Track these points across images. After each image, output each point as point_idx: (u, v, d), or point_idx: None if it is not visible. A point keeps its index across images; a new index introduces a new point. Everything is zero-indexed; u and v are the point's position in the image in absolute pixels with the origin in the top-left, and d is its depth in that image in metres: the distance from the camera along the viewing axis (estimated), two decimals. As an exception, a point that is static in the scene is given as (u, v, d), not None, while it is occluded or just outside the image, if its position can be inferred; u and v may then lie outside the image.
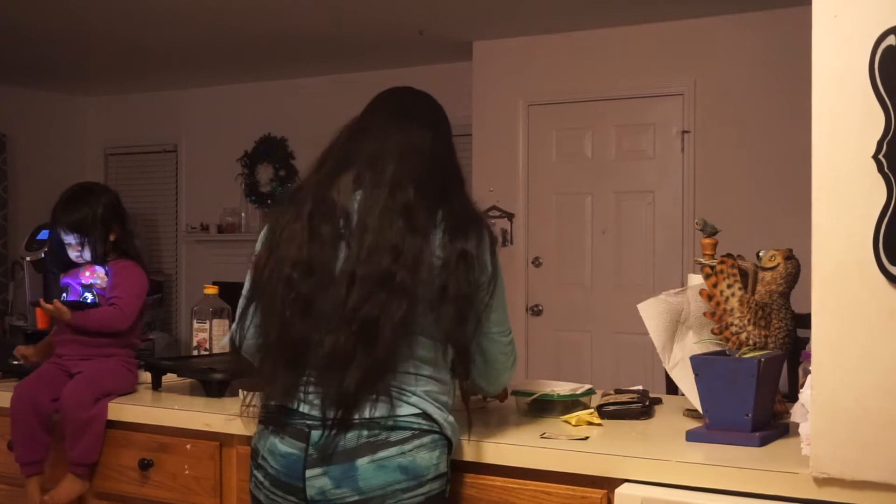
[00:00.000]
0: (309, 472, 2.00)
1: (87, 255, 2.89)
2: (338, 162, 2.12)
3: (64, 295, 2.83)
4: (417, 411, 2.02)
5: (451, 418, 2.08)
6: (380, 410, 2.00)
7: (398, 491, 1.98)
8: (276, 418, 2.07)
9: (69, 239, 2.90)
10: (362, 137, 2.13)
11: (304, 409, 2.03)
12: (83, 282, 2.86)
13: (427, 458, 2.01)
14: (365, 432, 1.99)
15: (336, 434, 1.99)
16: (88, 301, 2.83)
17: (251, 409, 2.15)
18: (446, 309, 2.00)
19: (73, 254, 2.90)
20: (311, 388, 2.03)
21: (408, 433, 2.00)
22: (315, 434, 2.00)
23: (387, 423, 2.00)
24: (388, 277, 1.97)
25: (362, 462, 1.98)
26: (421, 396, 2.03)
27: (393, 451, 1.99)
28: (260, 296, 2.09)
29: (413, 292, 1.97)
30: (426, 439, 2.02)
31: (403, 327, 1.98)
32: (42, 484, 2.79)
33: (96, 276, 2.87)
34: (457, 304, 2.00)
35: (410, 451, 2.00)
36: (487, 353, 2.16)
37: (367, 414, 1.99)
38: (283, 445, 2.03)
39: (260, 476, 2.08)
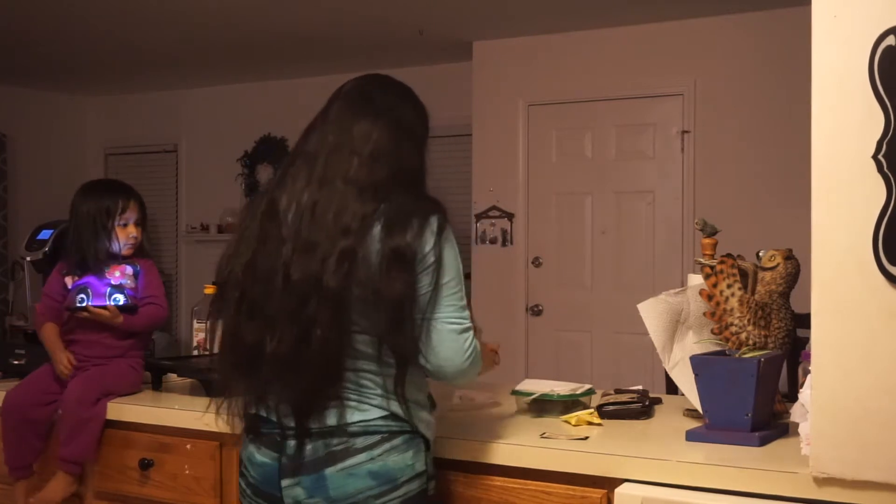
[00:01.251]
0: (284, 482, 2.00)
1: (135, 238, 2.87)
2: (289, 160, 2.11)
3: (82, 296, 2.80)
4: (384, 413, 1.98)
5: (424, 415, 2.04)
6: (344, 417, 1.97)
7: (370, 498, 1.95)
8: (253, 426, 2.07)
9: (130, 218, 2.87)
10: (310, 134, 2.10)
11: (274, 417, 2.02)
12: (112, 282, 2.83)
13: (399, 460, 1.98)
14: (333, 440, 1.97)
15: (303, 443, 1.98)
16: (122, 303, 2.81)
17: (219, 415, 2.09)
18: (380, 312, 1.94)
19: (122, 241, 2.85)
20: (273, 397, 2.02)
21: (376, 437, 1.97)
22: (288, 444, 2.00)
23: (353, 428, 1.97)
24: (317, 281, 1.94)
25: (331, 471, 1.96)
26: (387, 397, 1.98)
27: (361, 457, 1.96)
28: (220, 297, 2.08)
29: (342, 297, 1.93)
30: (397, 441, 1.98)
31: (337, 332, 1.94)
32: (29, 488, 2.79)
33: (126, 276, 2.84)
34: (389, 307, 1.93)
35: (380, 455, 1.96)
36: (434, 347, 1.99)
37: (331, 421, 1.97)
38: (260, 455, 2.04)
39: (243, 484, 2.09)
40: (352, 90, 2.13)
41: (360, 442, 1.96)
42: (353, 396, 1.98)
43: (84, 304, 2.79)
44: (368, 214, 1.96)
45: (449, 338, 1.99)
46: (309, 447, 1.98)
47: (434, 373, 2.02)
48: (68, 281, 2.85)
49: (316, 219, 1.98)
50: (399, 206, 1.98)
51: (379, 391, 1.99)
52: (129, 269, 2.85)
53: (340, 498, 1.96)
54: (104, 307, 2.78)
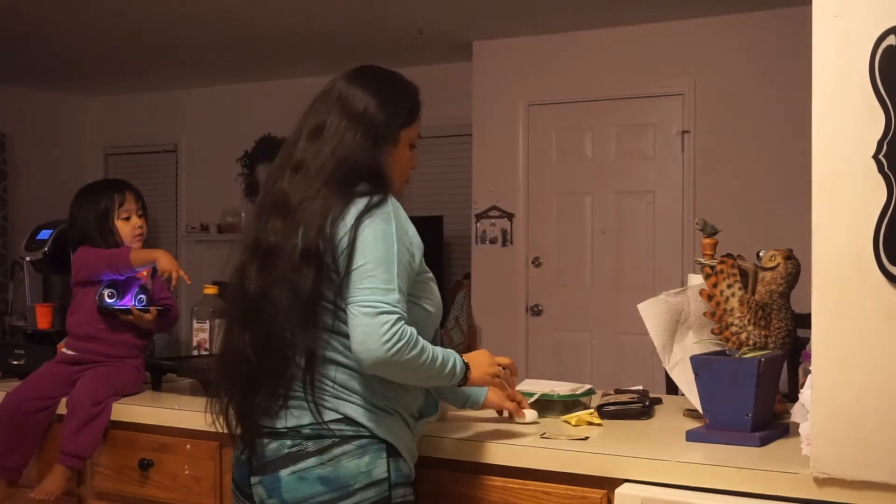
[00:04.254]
0: (252, 480, 2.01)
1: (141, 228, 2.89)
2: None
3: (112, 291, 2.81)
4: (338, 416, 1.95)
5: (385, 418, 1.98)
6: (300, 419, 1.96)
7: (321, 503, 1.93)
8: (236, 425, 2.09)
9: (131, 209, 2.88)
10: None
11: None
12: (142, 282, 2.84)
13: (353, 465, 1.93)
14: (288, 442, 1.96)
15: (254, 443, 1.99)
16: (143, 304, 2.83)
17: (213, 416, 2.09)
18: (292, 309, 1.92)
19: (129, 235, 2.87)
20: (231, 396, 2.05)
21: (328, 441, 1.93)
22: (256, 442, 2.01)
23: (306, 431, 1.95)
24: (246, 282, 1.98)
25: (285, 473, 1.95)
26: (342, 399, 1.96)
27: (312, 461, 1.93)
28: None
29: (264, 296, 1.94)
30: (350, 445, 1.93)
31: (263, 333, 1.94)
32: (8, 494, 2.78)
33: (147, 276, 2.86)
34: (299, 304, 1.91)
35: (331, 460, 1.93)
36: (350, 333, 1.90)
37: (286, 423, 1.97)
38: (238, 452, 2.06)
39: (232, 481, 2.12)
40: (326, 85, 2.12)
41: (311, 445, 1.94)
42: (307, 398, 1.96)
43: (115, 304, 2.82)
44: (298, 206, 1.95)
45: (362, 321, 1.86)
46: (268, 448, 1.98)
47: (357, 363, 1.91)
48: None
49: (262, 218, 2.01)
50: (327, 196, 1.95)
51: (334, 392, 1.96)
52: (149, 268, 2.87)
53: (293, 501, 1.94)
54: (146, 309, 2.81)
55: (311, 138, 2.02)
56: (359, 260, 1.90)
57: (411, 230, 2.00)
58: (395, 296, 1.89)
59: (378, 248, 1.91)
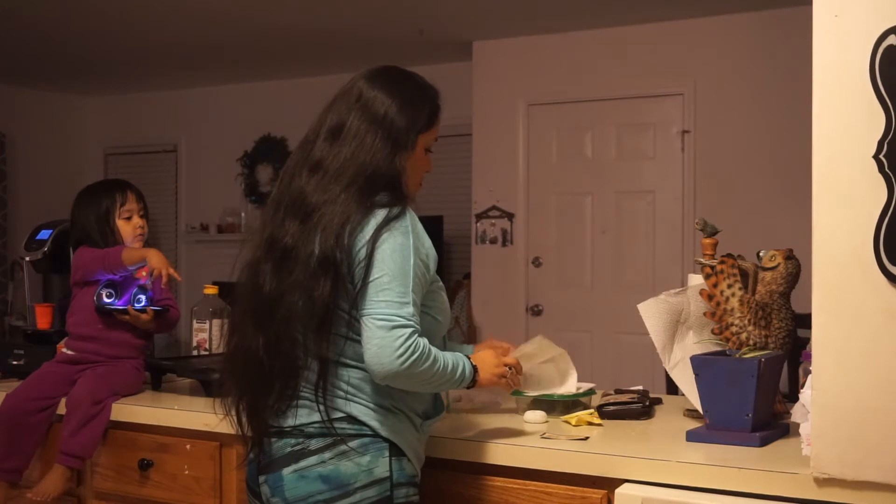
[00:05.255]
0: (260, 479, 2.01)
1: (142, 228, 2.89)
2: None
3: (110, 291, 2.81)
4: (341, 415, 1.95)
5: (389, 417, 1.98)
6: (304, 417, 1.96)
7: (321, 502, 1.92)
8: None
9: (132, 210, 2.88)
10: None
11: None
12: (141, 283, 2.84)
13: (352, 465, 1.93)
14: (291, 441, 1.96)
15: (262, 442, 2.00)
16: (142, 304, 2.83)
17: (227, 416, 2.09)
18: (307, 315, 1.92)
19: (130, 236, 2.86)
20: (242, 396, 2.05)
21: (329, 440, 1.94)
22: (264, 441, 2.01)
23: (309, 429, 1.95)
24: (260, 282, 1.98)
25: (287, 472, 1.95)
26: (347, 398, 1.96)
27: (313, 459, 1.94)
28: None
29: (277, 298, 1.94)
30: (350, 445, 1.93)
31: (273, 333, 1.94)
32: (8, 497, 2.78)
33: (148, 277, 2.85)
34: (314, 311, 1.91)
35: (331, 459, 1.93)
36: (363, 345, 1.90)
37: (290, 421, 1.97)
38: (250, 451, 2.06)
39: (232, 479, 2.13)
40: (347, 83, 2.10)
41: (314, 444, 1.95)
42: (318, 400, 1.95)
43: (113, 304, 2.81)
44: (316, 209, 1.94)
45: (376, 334, 1.87)
46: (274, 446, 1.98)
47: (371, 374, 1.92)
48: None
49: (278, 215, 2.00)
50: (346, 203, 1.94)
51: (339, 392, 1.96)
52: (148, 269, 2.87)
53: (293, 500, 1.94)
54: (143, 310, 2.81)
55: (329, 138, 2.01)
56: (375, 273, 1.90)
57: (427, 242, 2.01)
58: (410, 309, 1.91)
59: (395, 262, 1.91)
